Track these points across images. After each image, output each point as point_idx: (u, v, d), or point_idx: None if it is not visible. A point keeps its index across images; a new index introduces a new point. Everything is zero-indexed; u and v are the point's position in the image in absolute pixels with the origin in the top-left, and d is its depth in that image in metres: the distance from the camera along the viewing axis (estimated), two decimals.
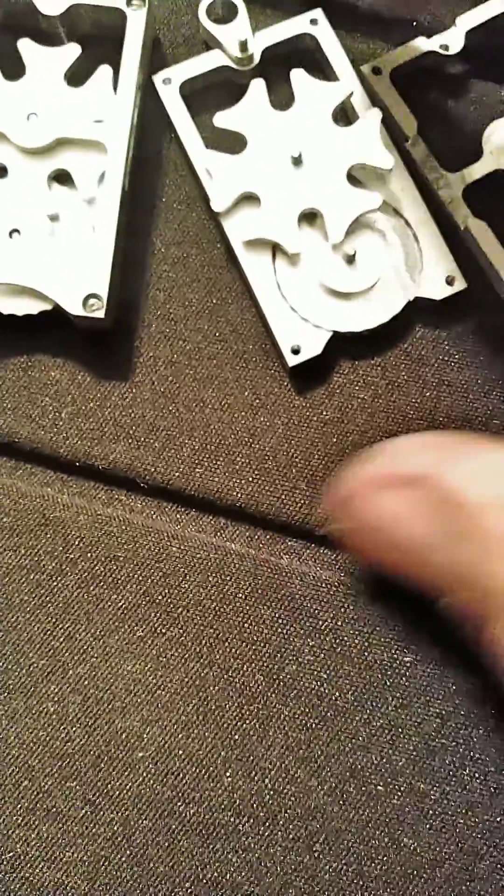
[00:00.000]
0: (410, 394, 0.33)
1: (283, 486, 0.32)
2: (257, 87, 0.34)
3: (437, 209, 0.34)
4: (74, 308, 0.31)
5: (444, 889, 0.28)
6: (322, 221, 0.33)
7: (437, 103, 0.36)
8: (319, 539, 0.32)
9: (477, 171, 0.34)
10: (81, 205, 0.33)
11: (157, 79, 0.34)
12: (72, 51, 0.34)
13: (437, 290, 0.33)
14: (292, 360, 0.32)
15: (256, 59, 0.34)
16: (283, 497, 0.32)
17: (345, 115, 0.35)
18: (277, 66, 0.35)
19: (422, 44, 0.35)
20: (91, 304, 0.32)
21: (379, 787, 0.29)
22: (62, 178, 0.33)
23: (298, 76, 0.34)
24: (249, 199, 0.33)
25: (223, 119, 0.33)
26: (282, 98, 0.34)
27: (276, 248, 0.33)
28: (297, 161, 0.33)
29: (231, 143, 0.33)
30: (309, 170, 0.33)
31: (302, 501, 0.32)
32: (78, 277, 0.32)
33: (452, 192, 0.34)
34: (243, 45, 0.34)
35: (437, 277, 0.33)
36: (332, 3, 0.36)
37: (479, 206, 0.33)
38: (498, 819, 0.29)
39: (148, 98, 0.35)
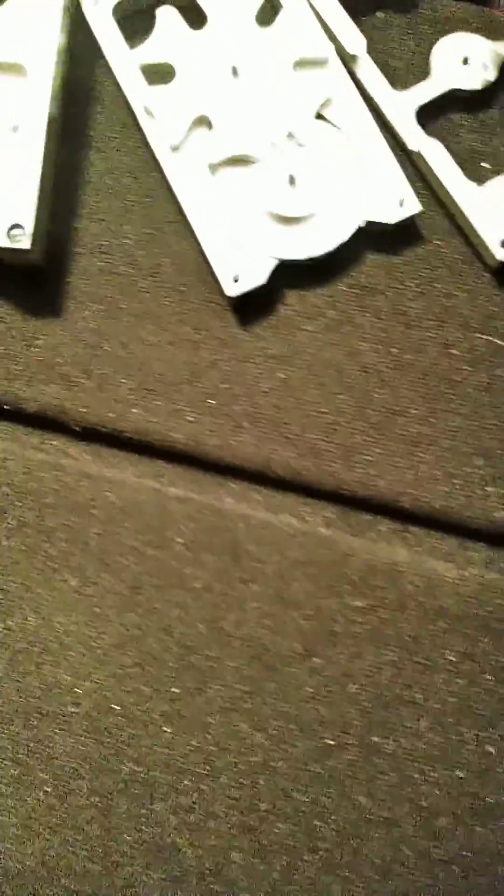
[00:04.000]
0: (362, 325, 0.29)
1: (225, 425, 0.29)
2: (166, 13, 0.31)
3: (387, 127, 0.31)
4: None
5: (400, 849, 0.26)
6: (258, 135, 0.30)
7: (385, 19, 0.33)
8: (264, 480, 0.29)
9: (427, 92, 0.31)
10: (5, 131, 0.30)
11: (85, 1, 0.31)
12: None
13: (389, 214, 0.29)
14: (232, 290, 0.29)
15: None
16: (226, 437, 0.29)
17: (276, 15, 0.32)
18: None
19: None
20: (15, 235, 0.28)
21: (329, 741, 0.26)
22: None
23: None
24: (196, 123, 0.30)
25: (143, 54, 0.30)
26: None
27: (213, 172, 0.30)
28: (236, 72, 0.30)
29: (162, 72, 0.30)
30: (248, 78, 0.30)
31: (246, 441, 0.29)
32: (1, 206, 0.29)
33: (403, 112, 0.31)
34: None
35: (388, 200, 0.29)
36: None
37: (429, 126, 0.31)
38: (457, 773, 0.26)
39: (82, 22, 0.32)
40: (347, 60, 0.31)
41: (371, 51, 0.31)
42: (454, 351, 0.29)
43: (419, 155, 0.30)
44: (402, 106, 0.30)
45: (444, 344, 0.29)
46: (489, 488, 0.28)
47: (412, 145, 0.30)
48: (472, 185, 0.29)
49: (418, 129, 0.30)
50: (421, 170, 0.30)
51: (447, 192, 0.29)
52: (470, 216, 0.29)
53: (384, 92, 0.30)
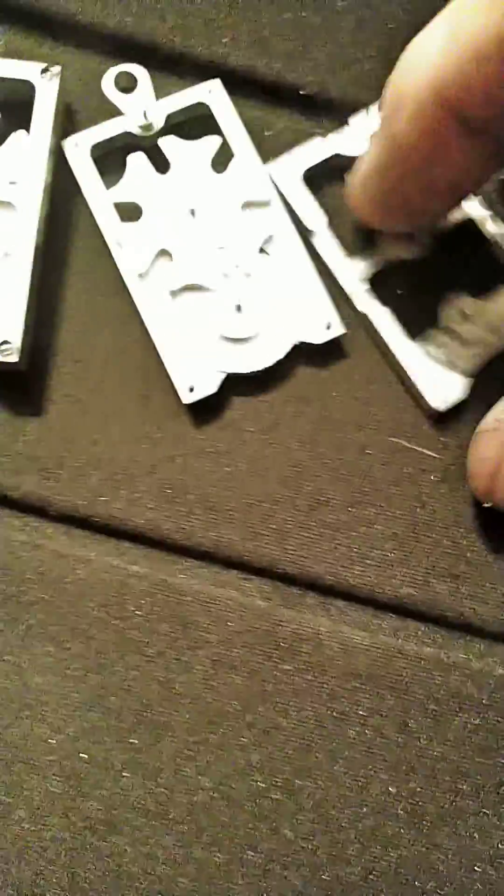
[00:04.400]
0: (294, 428, 0.35)
1: (180, 511, 0.34)
2: (136, 160, 0.36)
3: (315, 256, 0.36)
4: None
5: (318, 874, 0.31)
6: (211, 267, 0.35)
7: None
8: (211, 558, 0.34)
9: (374, 263, 0.36)
10: None
11: (67, 144, 0.36)
12: None
13: (318, 335, 0.35)
14: (188, 398, 0.34)
15: (158, 125, 0.37)
16: (180, 521, 0.34)
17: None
18: (181, 131, 0.37)
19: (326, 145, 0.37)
20: (4, 350, 0.33)
21: (261, 784, 0.31)
22: None
23: (168, 142, 0.36)
24: (160, 255, 0.35)
25: (115, 194, 0.36)
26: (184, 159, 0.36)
27: (173, 297, 0.35)
28: (193, 213, 0.36)
29: (131, 210, 0.36)
30: (205, 218, 0.36)
31: (197, 525, 0.34)
32: None
33: (353, 283, 0.36)
34: (144, 114, 0.36)
35: (317, 323, 0.35)
36: (230, 73, 0.39)
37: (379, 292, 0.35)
38: (363, 809, 0.31)
39: (62, 161, 0.37)
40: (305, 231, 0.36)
41: (337, 215, 0.36)
42: (370, 451, 0.34)
43: (364, 316, 0.35)
44: (353, 273, 0.36)
45: (362, 445, 0.35)
46: (397, 568, 0.33)
47: (360, 310, 0.35)
48: (411, 343, 0.35)
49: (365, 295, 0.35)
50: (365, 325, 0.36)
51: (387, 346, 0.35)
52: (409, 372, 0.34)
53: (338, 261, 0.36)
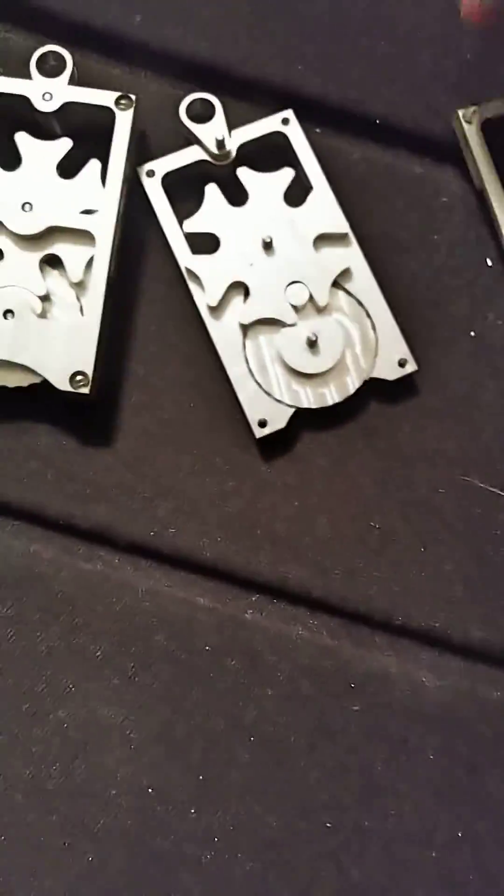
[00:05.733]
0: (364, 463, 0.35)
1: (248, 545, 0.34)
2: (212, 191, 0.36)
3: (390, 296, 0.36)
4: (62, 384, 0.33)
5: None
6: (285, 301, 0.35)
7: None
8: (280, 594, 0.34)
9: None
10: (70, 288, 0.35)
11: (142, 171, 0.36)
12: (64, 144, 0.35)
13: (391, 372, 0.35)
14: (259, 433, 0.34)
15: (233, 154, 0.37)
16: (248, 556, 0.34)
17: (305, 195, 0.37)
18: (253, 159, 0.37)
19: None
20: (78, 381, 0.33)
21: (328, 824, 0.31)
22: (54, 262, 0.35)
23: (244, 174, 0.36)
24: (233, 287, 0.35)
25: (191, 225, 0.36)
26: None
27: (246, 330, 0.35)
28: (268, 245, 0.36)
29: (206, 240, 0.36)
30: (280, 251, 0.36)
31: (265, 560, 0.34)
32: (66, 356, 0.33)
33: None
34: (220, 143, 0.36)
35: (390, 359, 0.35)
36: (304, 102, 0.38)
37: None
38: (430, 851, 0.31)
39: (135, 187, 0.37)
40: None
41: None
42: (441, 489, 0.35)
43: None
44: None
45: (433, 482, 0.35)
46: (468, 609, 0.33)
47: None
48: None
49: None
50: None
51: None
52: None
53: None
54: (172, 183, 0.37)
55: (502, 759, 0.32)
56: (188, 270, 0.35)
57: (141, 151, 0.37)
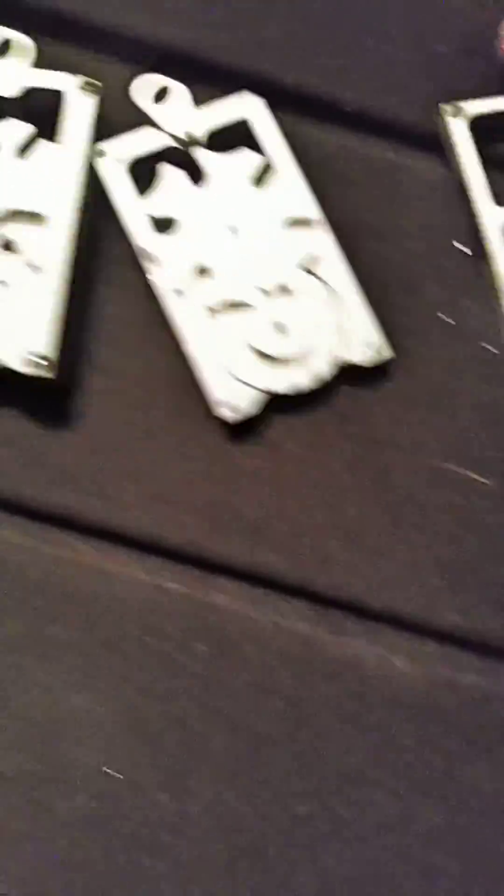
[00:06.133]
0: (336, 449, 0.34)
1: (219, 530, 0.33)
2: (169, 171, 0.36)
3: (364, 281, 0.36)
4: (24, 367, 0.32)
5: None
6: (251, 284, 0.35)
7: None
8: (251, 578, 0.33)
9: None
10: (28, 272, 0.34)
11: (98, 153, 0.36)
12: (23, 128, 0.35)
13: (364, 357, 0.35)
14: (227, 417, 0.33)
15: (195, 137, 0.37)
16: (219, 541, 0.33)
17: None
18: (218, 143, 0.36)
19: None
20: (39, 363, 0.33)
21: (301, 811, 0.30)
22: (10, 246, 0.34)
23: (204, 155, 0.36)
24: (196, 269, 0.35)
25: (149, 207, 0.35)
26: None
27: (212, 312, 0.35)
28: (233, 229, 0.36)
29: (166, 222, 0.35)
30: (245, 234, 0.35)
31: (236, 545, 0.33)
32: (26, 339, 0.33)
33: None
34: (181, 126, 0.36)
35: (363, 345, 0.35)
36: (278, 89, 0.38)
37: None
38: (407, 840, 0.31)
39: (95, 172, 0.36)
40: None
41: None
42: (415, 474, 0.34)
43: None
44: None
45: (407, 468, 0.34)
46: (444, 595, 0.33)
47: None
48: None
49: None
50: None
51: None
52: None
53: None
54: (131, 164, 0.36)
55: (480, 746, 0.31)
56: (147, 252, 0.35)
57: (101, 133, 0.37)
